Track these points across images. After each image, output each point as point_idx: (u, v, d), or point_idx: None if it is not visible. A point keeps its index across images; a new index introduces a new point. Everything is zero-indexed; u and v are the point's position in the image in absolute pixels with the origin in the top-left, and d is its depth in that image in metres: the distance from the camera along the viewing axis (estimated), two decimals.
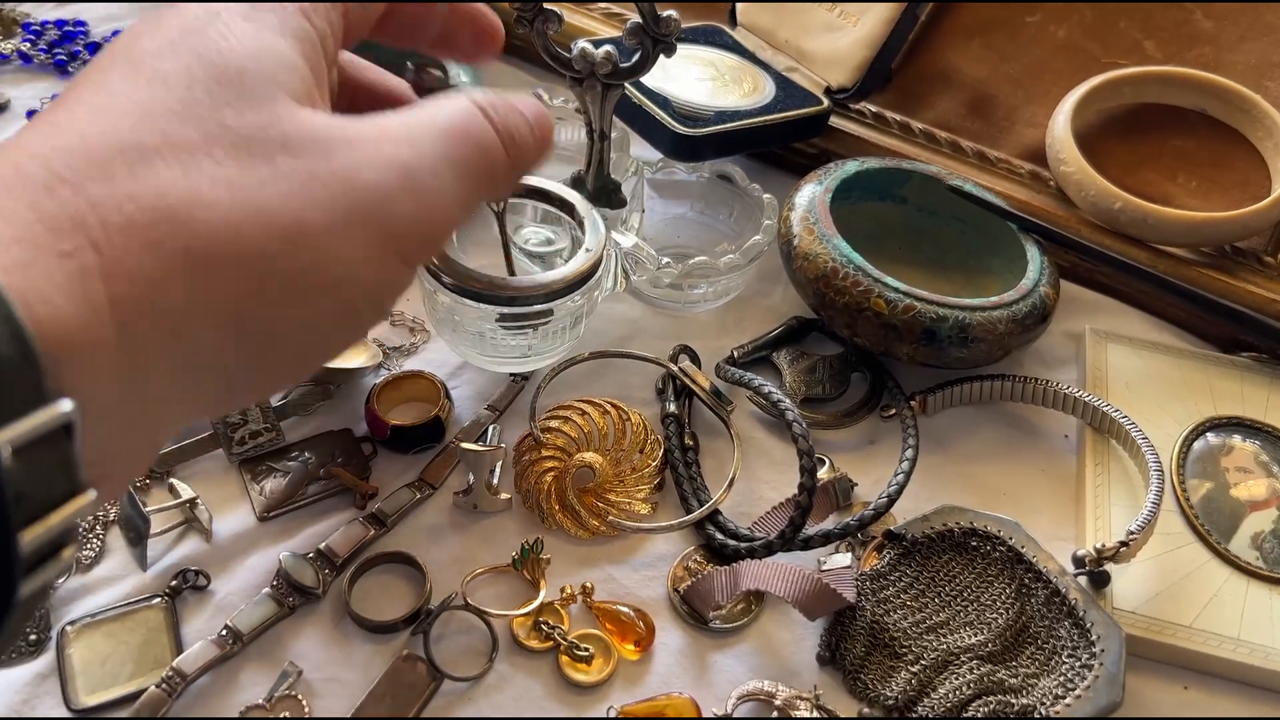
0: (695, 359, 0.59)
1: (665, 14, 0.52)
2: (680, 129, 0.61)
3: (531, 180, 0.54)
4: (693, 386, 0.56)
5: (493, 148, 0.30)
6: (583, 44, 0.54)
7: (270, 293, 0.25)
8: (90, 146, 0.24)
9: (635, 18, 0.53)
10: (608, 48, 0.54)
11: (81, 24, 0.80)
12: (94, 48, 0.77)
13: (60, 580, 0.48)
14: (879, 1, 0.67)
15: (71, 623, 0.47)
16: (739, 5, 0.72)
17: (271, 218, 0.25)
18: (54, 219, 0.22)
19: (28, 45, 0.77)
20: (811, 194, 0.60)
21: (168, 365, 0.25)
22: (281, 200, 0.25)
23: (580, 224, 0.53)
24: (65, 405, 0.21)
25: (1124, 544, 0.49)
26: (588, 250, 0.52)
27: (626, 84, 0.61)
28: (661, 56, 0.53)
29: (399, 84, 0.36)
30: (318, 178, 0.26)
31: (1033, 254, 0.59)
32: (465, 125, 0.30)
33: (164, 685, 0.44)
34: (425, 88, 0.36)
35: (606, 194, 0.59)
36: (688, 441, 0.55)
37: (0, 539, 0.20)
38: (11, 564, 0.20)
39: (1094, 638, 0.47)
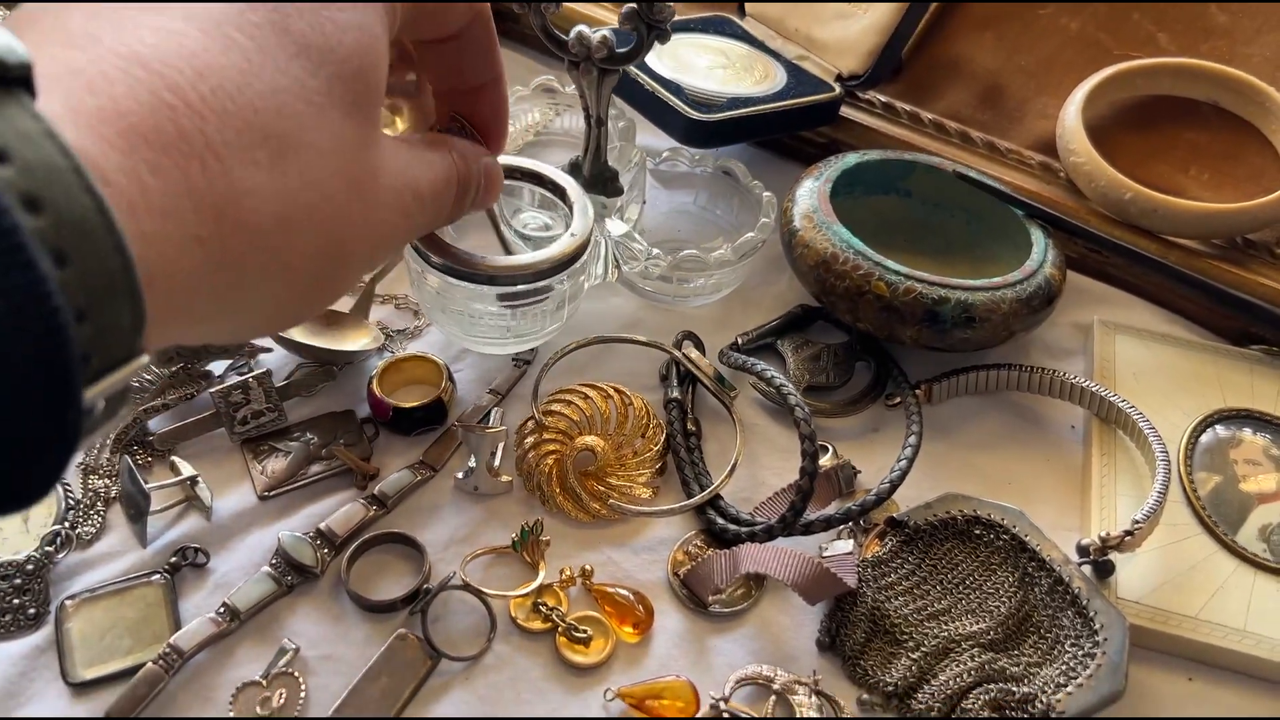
0: (699, 345, 0.58)
1: (659, 3, 0.52)
2: (694, 114, 0.61)
3: (527, 163, 0.54)
4: (696, 372, 0.56)
5: (448, 205, 0.35)
6: (579, 28, 0.54)
7: (310, 289, 0.28)
8: (244, 117, 0.23)
9: (631, 3, 0.52)
10: (604, 32, 0.53)
11: None
12: None
13: (61, 555, 0.48)
14: None
15: (70, 597, 0.47)
16: None
17: (341, 243, 0.27)
18: (201, 198, 0.22)
19: None
20: (811, 186, 0.60)
21: (232, 322, 0.26)
22: (350, 228, 0.27)
23: (571, 209, 0.53)
24: (144, 359, 0.21)
25: (1129, 533, 0.48)
26: (573, 235, 0.51)
27: (635, 70, 0.61)
28: (665, 44, 0.53)
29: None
30: (374, 218, 0.29)
31: (1037, 236, 0.59)
32: (445, 187, 0.34)
33: (161, 661, 0.44)
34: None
35: (603, 181, 0.59)
36: (690, 426, 0.55)
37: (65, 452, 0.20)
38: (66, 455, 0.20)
39: (1097, 626, 0.46)
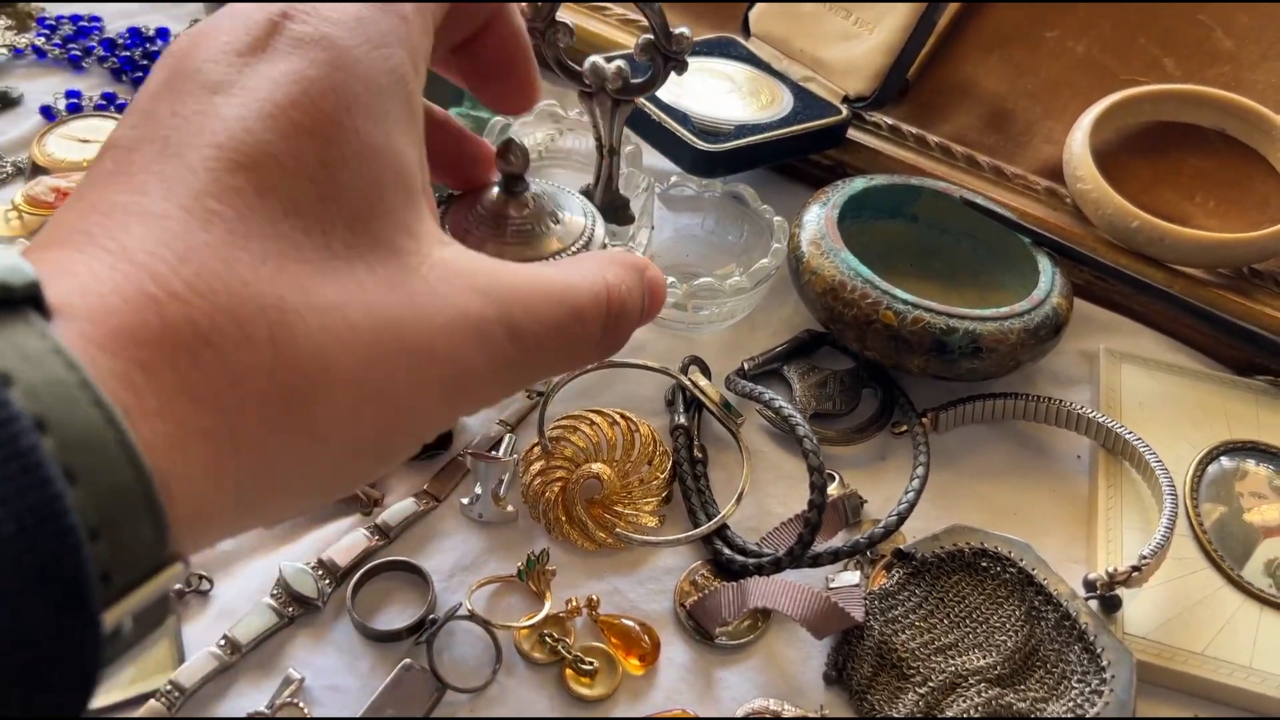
0: (705, 370, 0.58)
1: (677, 31, 0.51)
2: (702, 145, 0.60)
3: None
4: (702, 398, 0.56)
5: (588, 340, 0.30)
6: (594, 59, 0.53)
7: (358, 453, 0.25)
8: (232, 293, 0.21)
9: (647, 34, 0.52)
10: (619, 63, 0.53)
11: (96, 20, 0.80)
12: (108, 44, 0.77)
13: None
14: (896, 3, 0.66)
15: None
16: (751, 15, 0.72)
17: (388, 397, 0.24)
18: (197, 390, 0.21)
19: (42, 40, 0.77)
20: (819, 211, 0.59)
21: (269, 509, 0.24)
22: (397, 378, 0.24)
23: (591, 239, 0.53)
24: (179, 568, 0.20)
25: (1136, 569, 0.48)
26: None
27: (640, 100, 0.61)
28: (682, 75, 0.53)
29: (483, 146, 0.36)
30: (431, 358, 0.25)
31: (1045, 265, 0.59)
32: (576, 317, 0.29)
33: (163, 699, 0.44)
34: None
35: (614, 210, 0.58)
36: (696, 454, 0.55)
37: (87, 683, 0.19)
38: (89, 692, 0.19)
39: (1104, 663, 0.46)
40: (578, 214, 0.52)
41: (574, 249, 0.50)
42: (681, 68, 0.52)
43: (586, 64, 0.53)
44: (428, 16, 0.27)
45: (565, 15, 0.54)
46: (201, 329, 0.21)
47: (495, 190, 0.51)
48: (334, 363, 0.23)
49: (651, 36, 0.52)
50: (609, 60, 0.53)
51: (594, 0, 0.74)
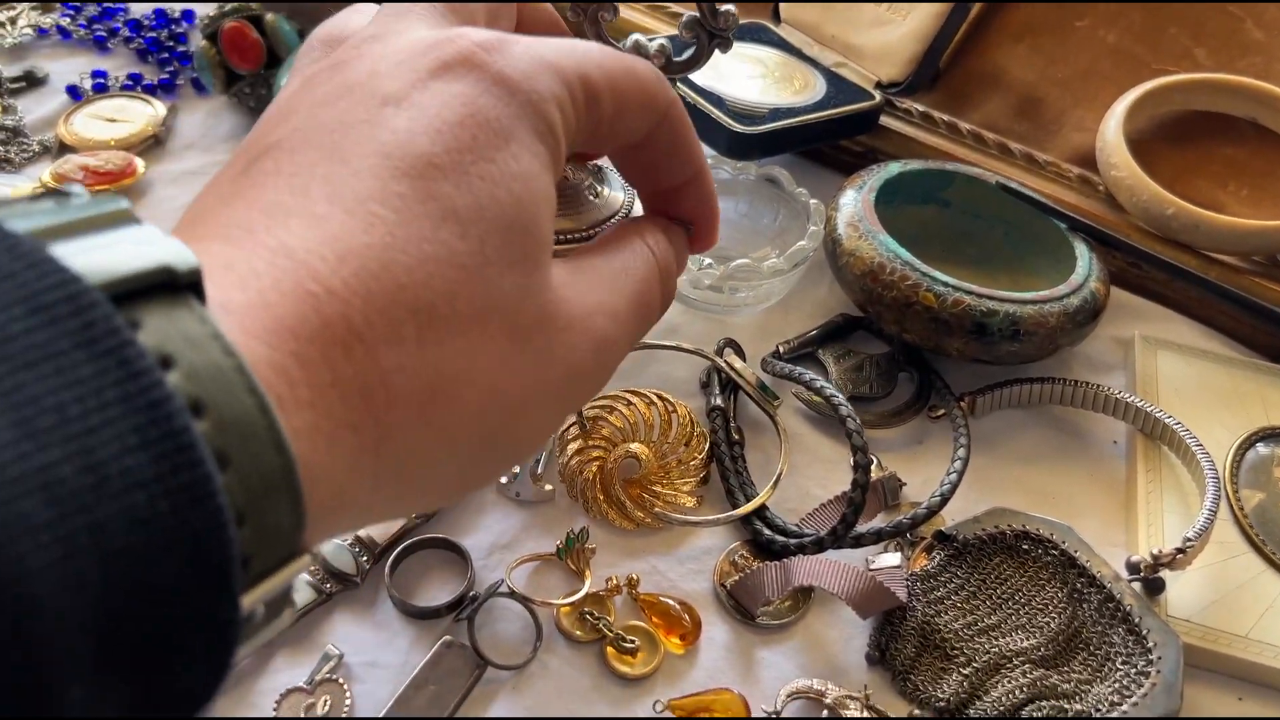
0: (740, 353, 0.58)
1: (723, 8, 0.51)
2: (737, 128, 0.60)
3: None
4: (738, 380, 0.56)
5: (656, 308, 0.32)
6: (635, 37, 0.53)
7: (480, 454, 0.26)
8: (388, 295, 0.22)
9: (689, 11, 0.52)
10: (661, 41, 0.53)
11: (121, 1, 0.79)
12: (134, 25, 0.77)
13: None
14: None
15: None
16: (782, 2, 0.72)
17: (510, 400, 0.25)
18: (347, 385, 0.21)
19: (67, 20, 0.76)
20: (855, 194, 0.59)
21: (392, 504, 0.25)
22: (521, 383, 0.25)
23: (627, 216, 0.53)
24: (306, 559, 0.21)
25: (1180, 551, 0.48)
26: None
27: (679, 81, 0.60)
28: (726, 53, 0.53)
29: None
30: (551, 361, 0.26)
31: (1081, 250, 0.59)
32: (647, 291, 0.31)
33: None
34: None
35: None
36: (734, 435, 0.54)
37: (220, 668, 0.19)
38: (222, 676, 0.20)
39: (1150, 645, 0.46)
40: (616, 189, 0.52)
41: (614, 221, 0.50)
42: (726, 45, 0.52)
43: (628, 42, 0.53)
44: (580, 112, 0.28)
45: None
46: (356, 326, 0.21)
47: None
48: (473, 364, 0.24)
49: (697, 14, 0.51)
50: (651, 40, 0.53)
51: None
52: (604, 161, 0.51)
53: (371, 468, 0.22)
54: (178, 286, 0.18)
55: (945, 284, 0.54)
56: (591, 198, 0.49)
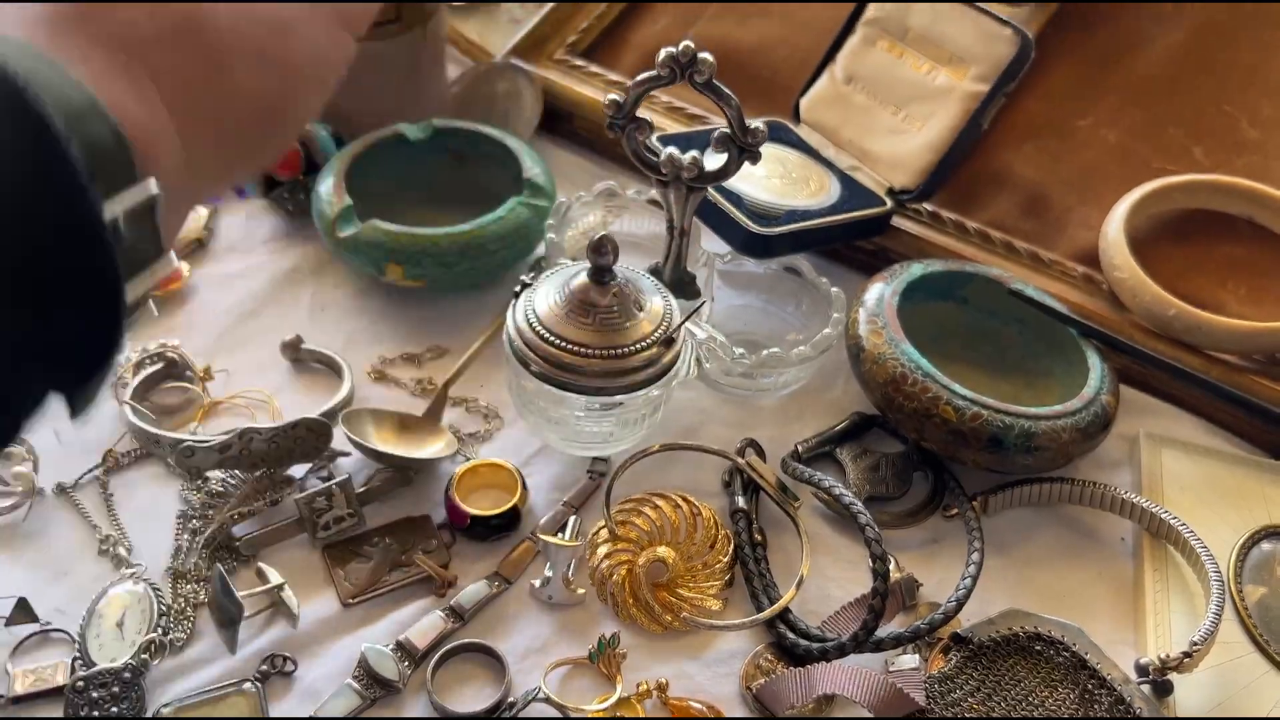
0: (760, 453, 0.60)
1: (753, 125, 0.54)
2: (754, 228, 0.63)
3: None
4: (760, 482, 0.58)
5: None
6: (670, 150, 0.56)
7: (270, 77, 0.34)
8: None
9: (724, 129, 0.55)
10: (693, 153, 0.56)
11: None
12: None
13: (155, 662, 0.50)
14: (944, 104, 0.69)
15: (166, 705, 0.48)
16: (803, 102, 0.75)
17: (261, 15, 0.33)
18: (105, 40, 0.29)
19: None
20: (880, 295, 0.62)
21: (209, 142, 0.32)
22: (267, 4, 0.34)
23: (671, 319, 0.56)
24: (152, 185, 0.29)
25: (1187, 654, 0.50)
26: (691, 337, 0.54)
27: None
28: (748, 163, 0.56)
29: None
30: None
31: (1094, 361, 0.61)
32: None
33: None
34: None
35: (682, 285, 0.61)
36: (757, 537, 0.57)
37: (113, 290, 0.27)
38: (120, 310, 0.27)
39: None
40: (656, 297, 0.56)
41: (658, 334, 0.53)
42: (755, 158, 0.55)
43: (663, 155, 0.56)
44: None
45: (644, 111, 0.57)
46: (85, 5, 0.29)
47: (583, 276, 0.53)
48: (242, 30, 0.32)
49: (729, 130, 0.55)
50: (683, 151, 0.56)
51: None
52: (631, 269, 0.55)
53: (156, 92, 0.29)
54: None
55: (964, 398, 0.56)
56: (636, 313, 0.53)
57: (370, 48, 0.69)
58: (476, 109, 0.78)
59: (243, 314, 0.68)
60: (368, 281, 0.70)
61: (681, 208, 0.58)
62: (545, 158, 0.72)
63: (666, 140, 0.65)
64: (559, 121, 0.81)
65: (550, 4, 0.85)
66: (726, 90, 0.54)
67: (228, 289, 0.69)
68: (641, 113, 0.57)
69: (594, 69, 0.82)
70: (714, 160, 0.57)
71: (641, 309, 0.54)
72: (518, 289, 0.56)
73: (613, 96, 0.56)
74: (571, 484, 0.59)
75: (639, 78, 0.56)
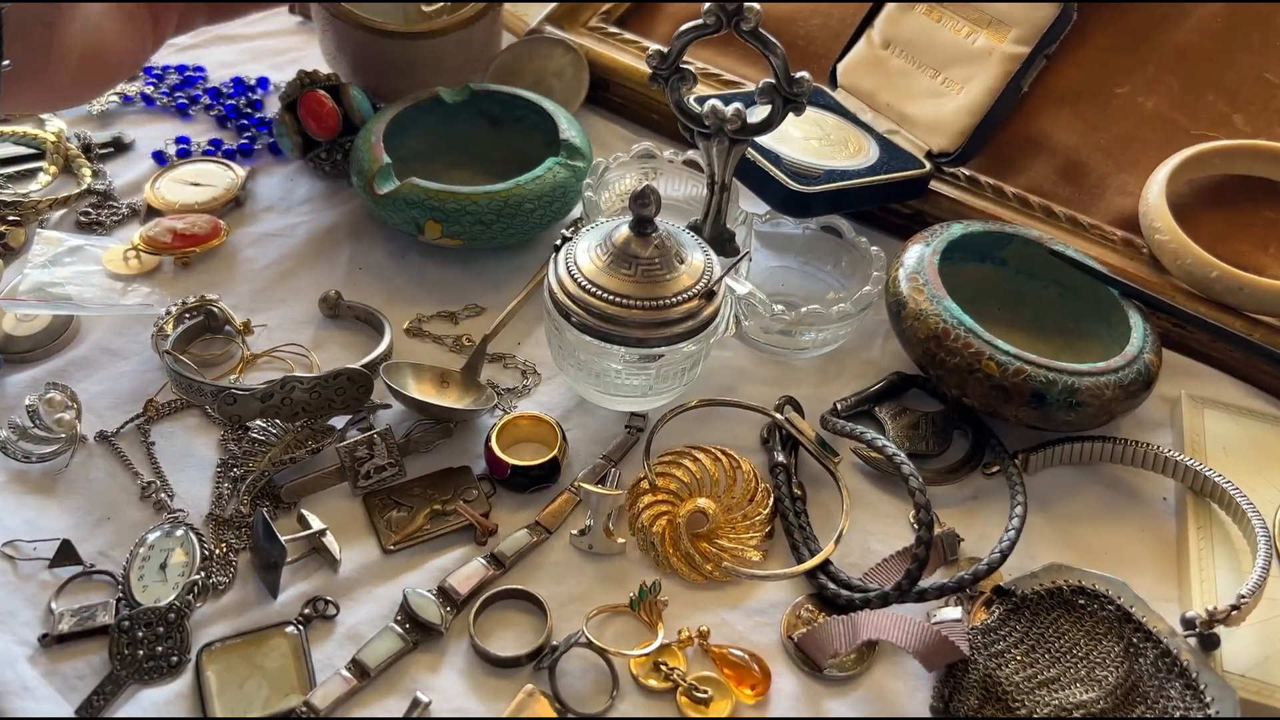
0: (799, 410, 0.60)
1: (799, 75, 0.54)
2: (794, 186, 0.63)
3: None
4: (799, 437, 0.58)
5: None
6: (713, 101, 0.56)
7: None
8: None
9: (769, 79, 0.55)
10: (737, 105, 0.56)
11: (200, 69, 0.83)
12: (214, 93, 0.80)
13: (198, 604, 0.50)
14: (983, 66, 0.69)
15: (208, 645, 0.48)
16: (840, 67, 0.75)
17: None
18: None
19: (150, 88, 0.80)
20: (920, 254, 0.62)
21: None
22: None
23: (712, 271, 0.55)
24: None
25: (1235, 608, 0.49)
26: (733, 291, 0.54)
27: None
28: (800, 116, 0.56)
29: None
30: None
31: (1136, 320, 0.61)
32: None
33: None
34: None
35: (721, 242, 0.61)
36: (796, 491, 0.56)
37: None
38: None
39: (1208, 700, 0.47)
40: (697, 252, 0.55)
41: (699, 286, 0.53)
42: (800, 109, 0.55)
43: (706, 106, 0.56)
44: None
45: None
46: None
47: (624, 228, 0.53)
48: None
49: (773, 80, 0.54)
50: (726, 103, 0.56)
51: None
52: (672, 224, 0.54)
53: None
54: None
55: (1007, 354, 0.56)
56: (677, 265, 0.52)
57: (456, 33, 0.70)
58: (523, 81, 0.78)
59: (282, 271, 0.68)
60: (404, 242, 0.70)
61: (723, 161, 0.58)
62: (580, 124, 0.72)
63: (728, 102, 0.65)
64: (593, 89, 0.81)
65: None
66: (772, 39, 0.54)
67: (266, 247, 0.70)
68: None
69: (628, 35, 0.82)
70: (758, 112, 0.56)
71: (683, 262, 0.54)
72: (558, 242, 0.56)
73: (657, 47, 0.57)
74: (609, 439, 0.59)
75: (684, 26, 0.56)
